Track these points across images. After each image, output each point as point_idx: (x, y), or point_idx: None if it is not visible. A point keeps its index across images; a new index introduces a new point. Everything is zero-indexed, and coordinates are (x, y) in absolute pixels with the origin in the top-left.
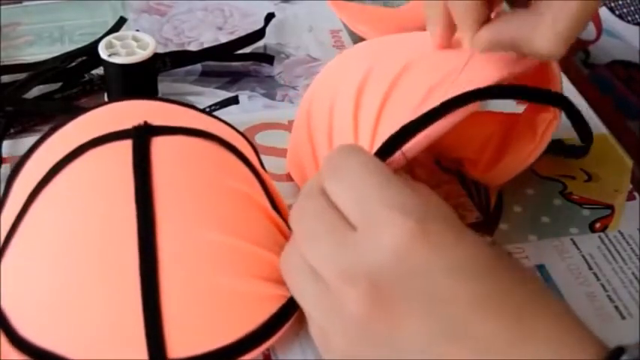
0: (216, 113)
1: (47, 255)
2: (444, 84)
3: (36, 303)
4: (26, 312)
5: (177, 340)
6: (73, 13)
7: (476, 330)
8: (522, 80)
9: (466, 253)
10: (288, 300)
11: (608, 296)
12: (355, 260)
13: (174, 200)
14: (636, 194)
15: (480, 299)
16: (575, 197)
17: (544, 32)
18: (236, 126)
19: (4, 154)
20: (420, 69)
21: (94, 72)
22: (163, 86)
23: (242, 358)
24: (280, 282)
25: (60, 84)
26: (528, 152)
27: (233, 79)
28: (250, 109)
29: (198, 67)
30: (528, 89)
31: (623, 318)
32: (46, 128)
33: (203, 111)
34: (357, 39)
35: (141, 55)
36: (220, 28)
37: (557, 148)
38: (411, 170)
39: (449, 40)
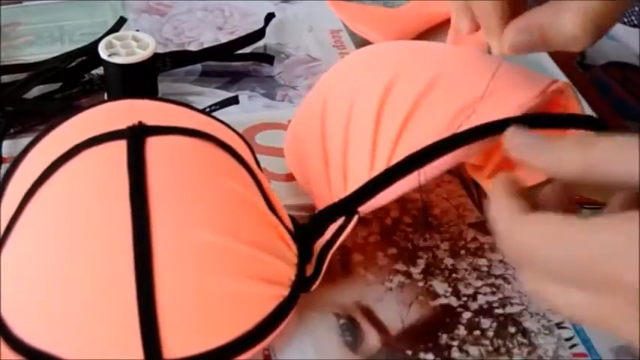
0: (216, 113)
1: (42, 255)
2: (470, 109)
3: (31, 303)
4: (21, 312)
5: (173, 340)
6: (73, 13)
7: None
8: (544, 109)
9: None
10: (284, 300)
11: None
12: None
13: (169, 200)
14: None
15: None
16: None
17: (571, 15)
18: (236, 126)
19: (4, 154)
20: (445, 89)
21: (94, 72)
22: (163, 86)
23: (238, 357)
24: (275, 282)
25: (60, 84)
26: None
27: (233, 79)
28: (250, 109)
29: (198, 67)
30: (560, 116)
31: None
32: None
33: (199, 110)
34: (357, 39)
35: (141, 55)
36: (220, 28)
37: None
38: None
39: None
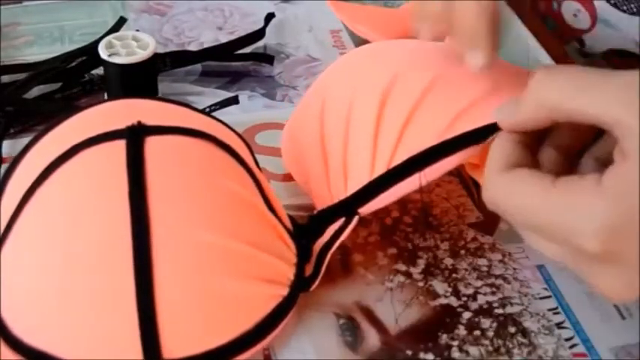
0: (216, 113)
1: (41, 255)
2: (471, 111)
3: (30, 303)
4: (20, 312)
5: (173, 340)
6: (73, 13)
7: None
8: None
9: None
10: (283, 299)
11: None
12: None
13: (169, 200)
14: None
15: None
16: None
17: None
18: (236, 126)
19: (4, 154)
20: (446, 90)
21: (94, 72)
22: (163, 86)
23: (238, 357)
24: (274, 282)
25: (60, 84)
26: None
27: (233, 79)
28: (250, 109)
29: (198, 67)
30: None
31: (623, 318)
32: None
33: (199, 110)
34: (357, 39)
35: (141, 55)
36: (220, 28)
37: None
38: None
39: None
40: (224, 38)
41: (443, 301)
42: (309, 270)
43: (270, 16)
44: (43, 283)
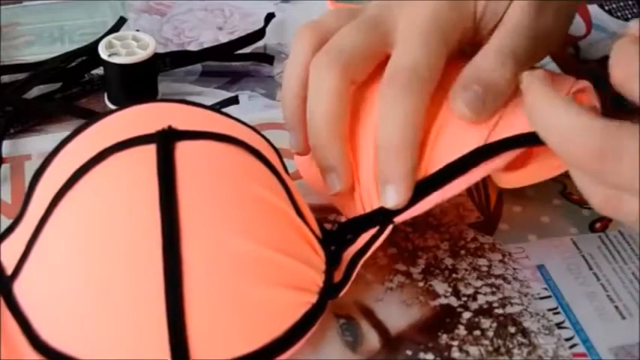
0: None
1: (69, 260)
2: (510, 115)
3: (58, 308)
4: (48, 317)
5: (201, 347)
6: (73, 13)
7: None
8: None
9: None
10: (312, 306)
11: (608, 296)
12: None
13: (199, 206)
14: None
15: None
16: (575, 197)
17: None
18: None
19: (4, 154)
20: None
21: (94, 72)
22: (163, 86)
23: None
24: (303, 289)
25: (60, 84)
26: (558, 164)
27: (233, 79)
28: (250, 109)
29: (198, 67)
30: None
31: (623, 318)
32: (46, 128)
33: (228, 115)
34: None
35: (141, 55)
36: (220, 28)
37: None
38: None
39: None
40: (224, 38)
41: (443, 301)
42: (337, 276)
43: (270, 16)
44: (71, 288)
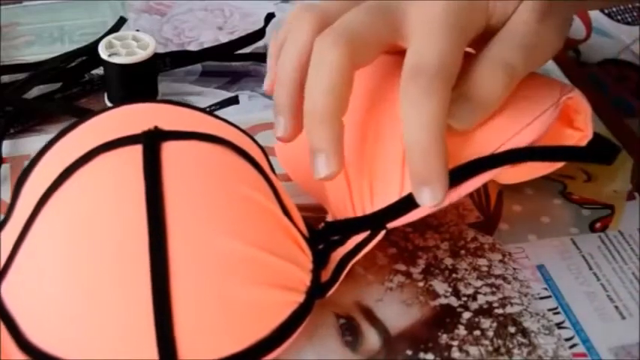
0: (215, 113)
1: (56, 260)
2: (508, 126)
3: (45, 308)
4: (35, 317)
5: (189, 347)
6: (73, 13)
7: None
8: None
9: None
10: (299, 306)
11: (608, 296)
12: None
13: (185, 206)
14: (636, 194)
15: None
16: (575, 197)
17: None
18: None
19: (4, 154)
20: None
21: (94, 72)
22: (163, 86)
23: None
24: (291, 288)
25: (60, 84)
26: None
27: (233, 79)
28: (250, 109)
29: (198, 67)
30: (582, 149)
31: (623, 318)
32: (46, 128)
33: (212, 114)
34: None
35: (141, 55)
36: (220, 28)
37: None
38: None
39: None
40: (224, 38)
41: (443, 301)
42: (325, 276)
43: (270, 16)
44: (58, 288)
